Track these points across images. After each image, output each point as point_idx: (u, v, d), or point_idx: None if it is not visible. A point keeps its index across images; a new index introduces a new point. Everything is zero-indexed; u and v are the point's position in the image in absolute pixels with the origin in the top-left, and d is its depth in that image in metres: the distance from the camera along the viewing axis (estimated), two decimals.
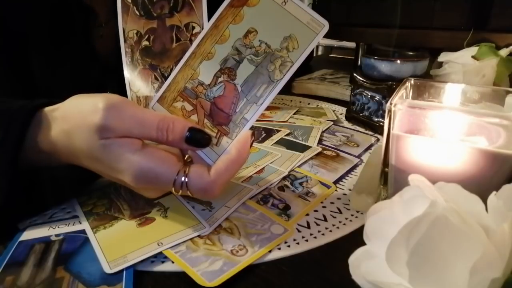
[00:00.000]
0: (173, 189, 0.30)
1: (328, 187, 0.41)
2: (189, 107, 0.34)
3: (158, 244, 0.31)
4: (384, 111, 0.55)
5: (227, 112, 0.32)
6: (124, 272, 0.28)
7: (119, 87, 0.39)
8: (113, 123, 0.29)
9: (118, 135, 0.30)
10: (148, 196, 0.34)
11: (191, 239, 0.32)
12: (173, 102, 0.34)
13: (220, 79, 0.33)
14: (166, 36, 0.35)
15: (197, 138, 0.32)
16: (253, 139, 0.32)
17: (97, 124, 0.29)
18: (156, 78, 0.36)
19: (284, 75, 0.31)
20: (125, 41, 0.37)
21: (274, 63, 0.31)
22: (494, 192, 0.21)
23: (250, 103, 0.32)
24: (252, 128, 0.32)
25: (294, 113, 0.65)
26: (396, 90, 0.36)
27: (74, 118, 0.30)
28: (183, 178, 0.30)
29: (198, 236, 0.32)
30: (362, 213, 0.37)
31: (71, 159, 0.32)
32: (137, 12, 0.36)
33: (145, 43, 0.36)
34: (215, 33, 0.33)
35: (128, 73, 0.37)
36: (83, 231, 0.33)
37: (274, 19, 0.31)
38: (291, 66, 0.31)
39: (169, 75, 0.35)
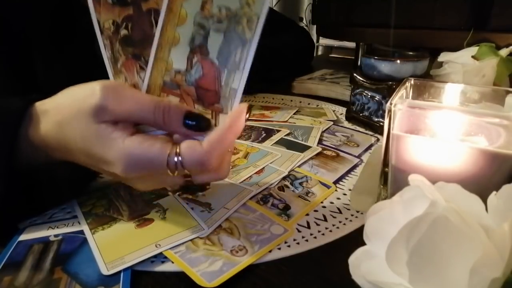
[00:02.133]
0: (168, 170, 0.29)
1: (328, 187, 0.41)
2: (175, 100, 0.33)
3: (156, 246, 0.31)
4: (384, 111, 0.55)
5: (213, 89, 0.31)
6: (122, 274, 0.28)
7: None
8: (111, 103, 0.29)
9: (115, 118, 0.29)
10: (143, 189, 0.33)
11: (189, 240, 0.32)
12: None
13: (194, 60, 0.32)
14: (144, 22, 0.33)
15: (197, 121, 0.30)
16: (249, 112, 0.31)
17: (96, 105, 0.28)
18: (141, 67, 0.34)
19: (255, 31, 0.29)
20: (101, 33, 0.35)
21: (241, 23, 0.30)
22: (494, 192, 0.21)
23: (232, 71, 0.31)
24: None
25: (294, 113, 0.64)
26: (396, 90, 0.36)
27: (68, 107, 0.30)
28: (175, 158, 0.29)
29: (197, 237, 0.32)
30: (362, 213, 0.36)
31: (63, 153, 0.31)
32: (109, 0, 0.34)
33: (123, 32, 0.34)
34: (172, 17, 0.31)
35: (111, 67, 0.35)
36: (82, 232, 0.33)
37: None
38: (258, 19, 0.29)
39: None
